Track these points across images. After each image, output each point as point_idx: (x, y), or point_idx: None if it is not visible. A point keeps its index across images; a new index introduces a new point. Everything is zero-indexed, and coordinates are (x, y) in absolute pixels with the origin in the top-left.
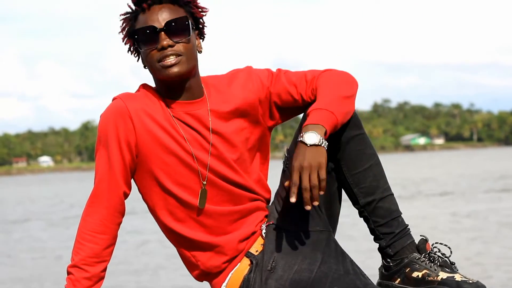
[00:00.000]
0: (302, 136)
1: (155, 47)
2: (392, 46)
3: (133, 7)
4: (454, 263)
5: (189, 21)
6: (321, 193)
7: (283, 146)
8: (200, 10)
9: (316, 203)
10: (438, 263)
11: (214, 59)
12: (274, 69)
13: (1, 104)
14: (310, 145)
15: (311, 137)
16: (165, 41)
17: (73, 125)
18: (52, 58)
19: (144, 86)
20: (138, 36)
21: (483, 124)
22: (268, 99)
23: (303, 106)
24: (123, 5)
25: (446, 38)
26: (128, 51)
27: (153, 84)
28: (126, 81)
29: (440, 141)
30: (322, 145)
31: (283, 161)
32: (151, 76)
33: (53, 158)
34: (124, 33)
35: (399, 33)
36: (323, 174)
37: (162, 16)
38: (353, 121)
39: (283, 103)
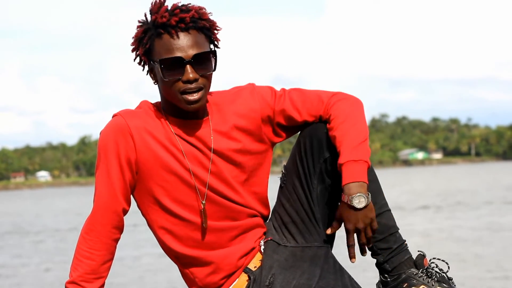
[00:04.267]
0: (350, 201)
1: (180, 78)
2: (390, 61)
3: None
4: (452, 279)
5: (215, 55)
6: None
7: (281, 161)
8: (218, 33)
9: (369, 246)
10: (436, 278)
11: (213, 75)
12: (275, 86)
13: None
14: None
15: (361, 201)
16: (191, 74)
17: (71, 140)
18: (52, 73)
19: (145, 102)
20: (163, 65)
21: (481, 139)
22: (271, 118)
23: (305, 125)
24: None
25: (444, 53)
26: (135, 60)
27: (152, 100)
28: (125, 97)
29: (438, 155)
30: (370, 201)
31: (280, 178)
32: (149, 92)
33: (51, 173)
34: (141, 48)
35: (397, 49)
36: (375, 225)
37: (189, 46)
38: None
39: (286, 123)
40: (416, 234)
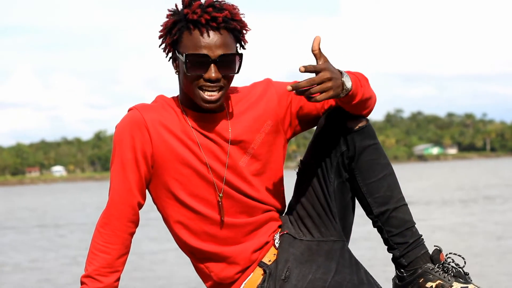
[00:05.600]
0: (343, 74)
1: (202, 75)
2: (404, 57)
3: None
4: (468, 273)
5: (241, 59)
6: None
7: (295, 156)
8: (246, 33)
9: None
10: (452, 274)
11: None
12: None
13: (15, 114)
14: (343, 72)
15: (348, 81)
16: (214, 73)
17: (86, 135)
18: (66, 70)
19: (161, 97)
20: (189, 60)
21: (496, 134)
22: (288, 109)
23: (321, 119)
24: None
25: (459, 48)
26: (160, 46)
27: (169, 95)
28: (140, 92)
29: (453, 151)
30: (343, 78)
31: (297, 172)
32: (164, 88)
33: (66, 167)
34: (168, 37)
35: (411, 44)
36: (331, 93)
37: (217, 45)
38: (367, 131)
39: (303, 113)
40: (441, 229)
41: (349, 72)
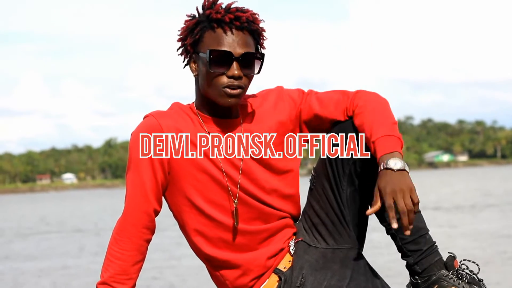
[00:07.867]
0: (386, 163)
1: (224, 72)
2: (415, 64)
3: (207, 18)
4: (482, 280)
5: (263, 59)
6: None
7: (306, 164)
8: (263, 42)
9: (411, 227)
10: (466, 280)
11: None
12: (301, 88)
13: (25, 121)
14: (397, 170)
15: (397, 163)
16: (237, 71)
17: (96, 142)
18: (75, 77)
19: (176, 104)
20: (212, 56)
21: (507, 141)
22: (298, 118)
23: (332, 125)
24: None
25: (468, 55)
26: (178, 50)
27: (184, 102)
28: (149, 99)
29: (463, 158)
30: (406, 169)
31: (310, 179)
32: (173, 95)
33: (77, 175)
34: (189, 38)
35: (421, 51)
36: (416, 198)
37: (239, 44)
38: None
39: (314, 121)
40: (467, 235)
41: (387, 137)
